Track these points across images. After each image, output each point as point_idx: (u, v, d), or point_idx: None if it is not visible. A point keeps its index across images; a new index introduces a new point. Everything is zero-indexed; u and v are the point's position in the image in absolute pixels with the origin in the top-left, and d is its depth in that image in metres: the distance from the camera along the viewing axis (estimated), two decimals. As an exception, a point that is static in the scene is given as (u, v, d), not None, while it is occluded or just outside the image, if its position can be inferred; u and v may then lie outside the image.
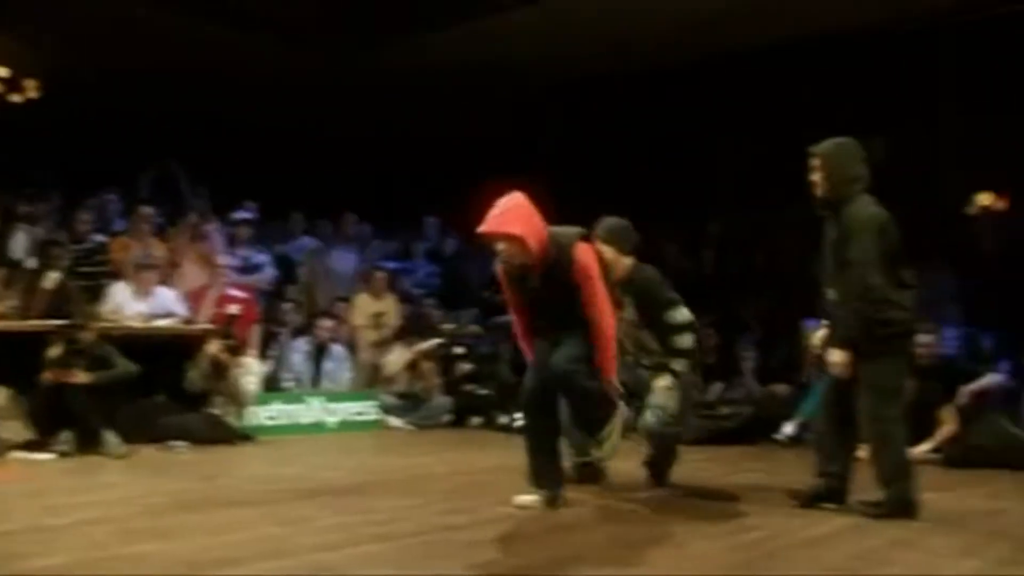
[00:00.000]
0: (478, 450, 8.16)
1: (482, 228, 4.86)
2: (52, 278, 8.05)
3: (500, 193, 4.93)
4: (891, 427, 4.89)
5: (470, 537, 4.35)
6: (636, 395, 5.42)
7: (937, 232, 10.01)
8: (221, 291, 8.96)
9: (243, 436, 8.00)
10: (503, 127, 13.23)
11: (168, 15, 10.38)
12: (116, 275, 8.86)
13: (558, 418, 5.26)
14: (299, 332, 9.87)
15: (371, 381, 10.04)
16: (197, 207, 10.26)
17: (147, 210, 9.52)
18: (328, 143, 13.31)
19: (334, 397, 9.34)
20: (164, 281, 8.91)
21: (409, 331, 10.03)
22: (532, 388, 5.13)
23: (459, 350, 10.44)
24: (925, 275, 8.70)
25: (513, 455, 7.31)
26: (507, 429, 9.16)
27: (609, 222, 5.66)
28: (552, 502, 5.09)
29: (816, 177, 5.02)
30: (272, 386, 9.19)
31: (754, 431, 8.42)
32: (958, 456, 7.11)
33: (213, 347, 8.03)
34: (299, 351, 9.57)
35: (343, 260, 11.14)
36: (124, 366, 7.30)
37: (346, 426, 9.24)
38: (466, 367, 10.32)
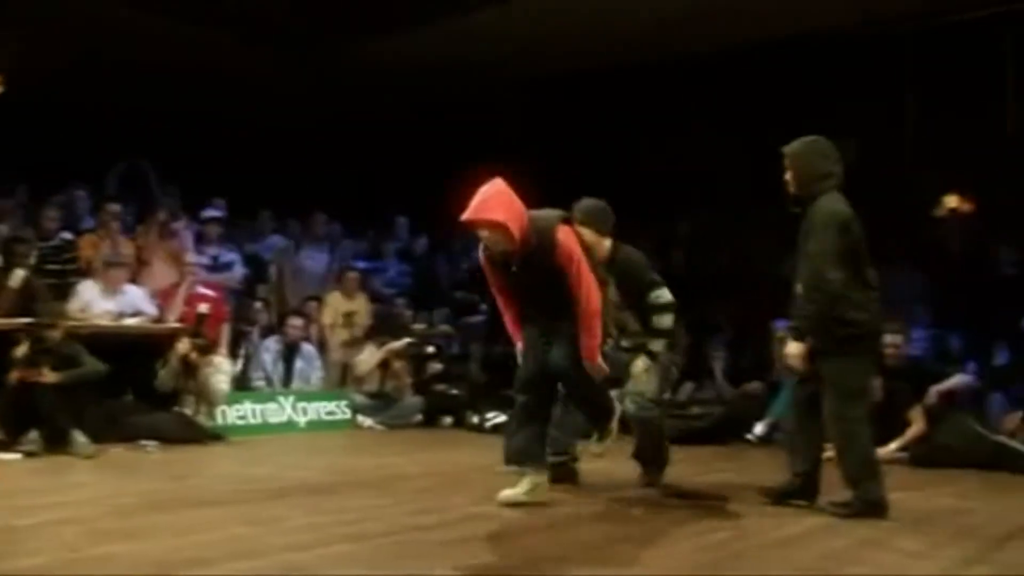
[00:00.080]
0: (449, 450, 8.15)
1: (465, 216, 4.87)
2: (18, 276, 7.93)
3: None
4: (856, 427, 4.93)
5: (442, 537, 4.35)
6: (616, 380, 5.44)
7: (905, 234, 10.12)
8: (191, 290, 8.89)
9: (213, 436, 7.95)
10: (471, 126, 13.21)
11: (135, 11, 10.32)
12: (84, 273, 8.79)
13: (551, 406, 5.33)
14: (269, 331, 9.83)
15: (342, 381, 10.01)
16: (166, 204, 10.18)
17: (115, 207, 9.42)
18: (297, 142, 13.26)
19: (305, 397, 9.30)
20: (133, 279, 8.84)
21: (380, 331, 10.00)
22: (530, 373, 5.19)
23: (430, 350, 10.43)
24: (893, 276, 8.84)
25: (485, 454, 7.33)
26: (478, 429, 9.18)
27: (586, 203, 5.61)
28: (536, 485, 5.11)
29: (788, 176, 5.08)
30: (242, 385, 9.14)
31: (725, 431, 8.47)
32: (925, 456, 7.17)
33: (183, 346, 7.98)
34: (269, 350, 9.52)
35: (313, 259, 11.10)
36: (92, 365, 7.24)
37: (317, 426, 9.20)
38: (437, 367, 10.32)
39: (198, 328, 8.22)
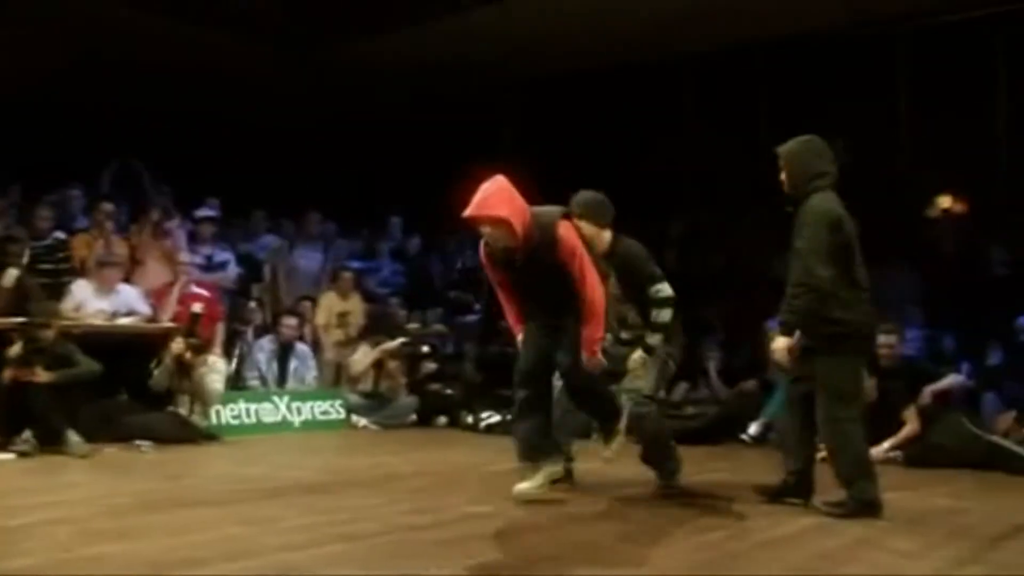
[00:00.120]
0: (444, 449, 8.15)
1: (467, 212, 4.89)
2: (11, 275, 7.92)
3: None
4: (849, 427, 4.94)
5: (436, 536, 4.35)
6: (615, 375, 5.44)
7: (898, 234, 10.12)
8: (184, 289, 8.88)
9: (208, 435, 7.95)
10: (465, 126, 13.22)
11: (135, 11, 10.30)
12: (77, 272, 8.77)
13: (551, 397, 5.35)
14: (263, 331, 9.82)
15: (336, 380, 10.00)
16: (159, 204, 10.16)
17: (108, 206, 9.40)
18: (291, 141, 13.26)
19: (299, 396, 9.29)
20: (127, 279, 8.83)
21: (374, 330, 9.99)
22: (530, 365, 5.21)
23: (424, 349, 10.42)
24: (887, 276, 8.86)
25: (479, 454, 7.35)
26: (473, 428, 9.19)
27: (584, 196, 5.58)
28: (551, 475, 5.18)
29: (782, 176, 5.10)
30: (237, 385, 9.13)
31: (719, 431, 8.47)
32: (919, 456, 7.18)
33: (177, 346, 7.96)
34: (264, 350, 9.51)
35: (307, 259, 11.08)
36: (86, 365, 7.23)
37: (311, 425, 9.20)
38: (431, 366, 10.31)
39: (192, 328, 8.21)
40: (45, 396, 6.87)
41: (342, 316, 10.23)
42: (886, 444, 7.22)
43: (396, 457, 7.44)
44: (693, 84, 12.30)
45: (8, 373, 6.95)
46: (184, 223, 10.02)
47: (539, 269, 4.99)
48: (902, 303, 9.25)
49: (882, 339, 7.55)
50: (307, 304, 10.25)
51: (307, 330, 10.01)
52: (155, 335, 8.29)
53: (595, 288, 5.02)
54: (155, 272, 9.22)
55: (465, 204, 4.90)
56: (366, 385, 9.65)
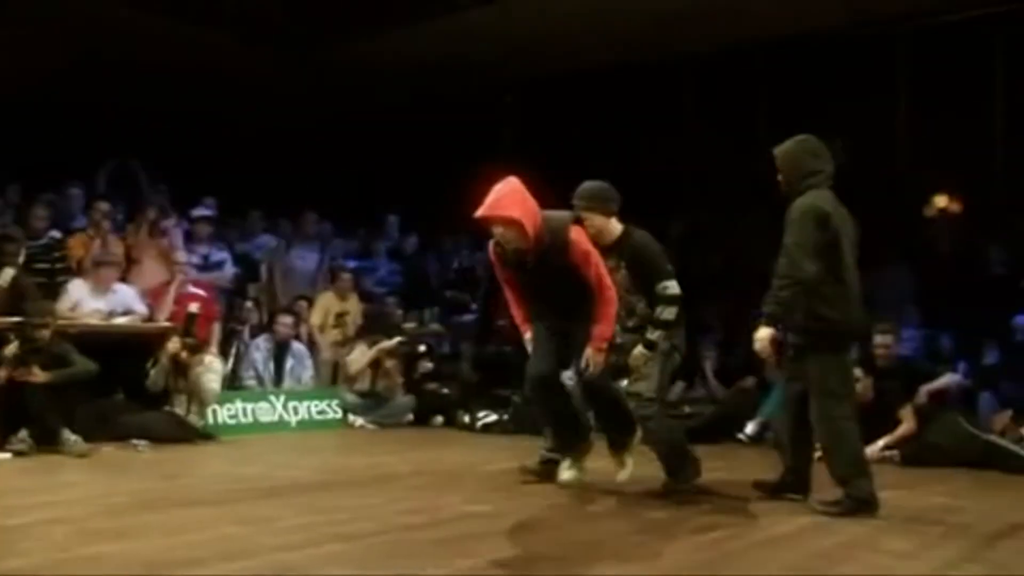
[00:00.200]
0: (441, 449, 8.14)
1: (480, 212, 4.93)
2: (7, 275, 7.90)
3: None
4: (843, 425, 4.95)
5: (433, 536, 4.35)
6: (622, 370, 5.44)
7: (896, 233, 10.13)
8: (181, 289, 8.86)
9: (204, 435, 7.93)
10: (463, 125, 13.22)
11: (134, 11, 10.29)
12: (73, 271, 8.76)
13: (564, 392, 5.46)
14: (260, 331, 9.80)
15: (333, 379, 9.99)
16: (156, 203, 10.14)
17: (104, 206, 9.38)
18: (287, 141, 13.25)
19: (296, 396, 9.28)
20: (123, 278, 8.81)
21: (371, 329, 9.99)
22: (539, 371, 5.30)
23: (421, 349, 10.41)
24: (884, 276, 8.87)
25: (476, 453, 7.34)
26: (469, 428, 9.18)
27: (587, 188, 5.56)
28: (584, 456, 5.61)
29: (779, 176, 5.11)
30: (233, 385, 9.12)
31: (716, 430, 8.46)
32: (915, 455, 7.18)
33: (173, 345, 7.95)
34: (260, 349, 9.50)
35: (304, 259, 11.06)
36: (83, 364, 7.20)
37: (308, 425, 9.18)
38: (428, 366, 10.31)
39: (188, 327, 8.20)
40: (41, 396, 6.85)
41: (340, 316, 10.21)
42: (881, 443, 7.22)
43: (393, 456, 7.44)
44: (693, 84, 12.31)
45: (4, 373, 6.93)
46: (181, 222, 10.00)
47: (549, 271, 5.05)
48: (899, 302, 9.26)
49: (878, 338, 7.60)
50: (303, 303, 10.23)
51: (303, 329, 10.00)
52: (151, 335, 8.27)
53: (611, 291, 5.12)
54: (151, 271, 9.20)
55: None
56: (363, 384, 9.64)
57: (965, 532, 4.69)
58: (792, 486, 5.20)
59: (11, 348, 7.00)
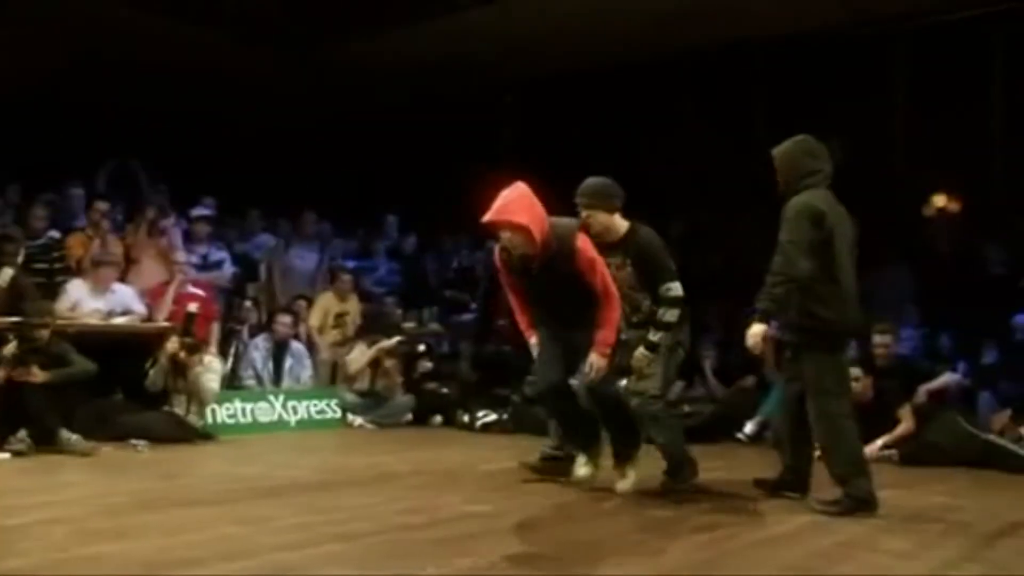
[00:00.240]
0: (440, 448, 8.14)
1: (487, 217, 4.93)
2: (6, 274, 7.89)
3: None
4: (841, 423, 4.96)
5: (432, 536, 4.35)
6: (626, 370, 5.44)
7: (895, 233, 10.13)
8: (180, 288, 8.86)
9: (203, 435, 7.92)
10: (463, 125, 13.22)
11: (134, 11, 10.29)
12: (73, 271, 8.75)
13: (573, 396, 5.45)
14: (259, 330, 9.80)
15: (332, 379, 9.99)
16: (155, 203, 10.14)
17: (103, 205, 9.38)
18: (286, 140, 13.24)
19: (295, 395, 9.27)
20: (122, 278, 8.81)
21: (370, 329, 9.98)
22: (548, 384, 5.34)
23: (420, 348, 10.41)
24: (883, 276, 8.86)
25: (475, 453, 7.34)
26: (469, 427, 9.18)
27: (590, 185, 5.55)
28: (598, 455, 5.61)
29: (778, 176, 5.12)
30: (232, 384, 9.12)
31: (715, 430, 8.47)
32: (914, 454, 7.19)
33: (172, 345, 7.95)
34: (259, 349, 9.50)
35: (303, 258, 11.05)
36: (82, 364, 7.20)
37: (307, 424, 9.17)
38: (427, 365, 10.30)
39: (187, 327, 8.19)
40: (40, 396, 6.84)
41: (339, 317, 10.21)
42: (880, 442, 7.22)
43: (392, 456, 7.43)
44: (692, 84, 12.30)
45: (3, 373, 6.92)
46: (180, 222, 9.99)
47: (555, 278, 5.05)
48: (898, 302, 9.26)
49: (877, 338, 7.61)
50: (302, 303, 10.22)
51: (302, 329, 10.00)
52: (151, 334, 8.27)
53: (615, 298, 5.14)
54: (151, 271, 9.20)
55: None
56: (362, 384, 9.63)
57: (964, 531, 4.70)
58: (791, 484, 5.21)
59: (10, 348, 6.99)
